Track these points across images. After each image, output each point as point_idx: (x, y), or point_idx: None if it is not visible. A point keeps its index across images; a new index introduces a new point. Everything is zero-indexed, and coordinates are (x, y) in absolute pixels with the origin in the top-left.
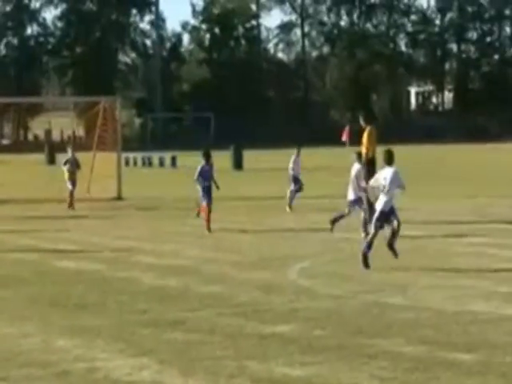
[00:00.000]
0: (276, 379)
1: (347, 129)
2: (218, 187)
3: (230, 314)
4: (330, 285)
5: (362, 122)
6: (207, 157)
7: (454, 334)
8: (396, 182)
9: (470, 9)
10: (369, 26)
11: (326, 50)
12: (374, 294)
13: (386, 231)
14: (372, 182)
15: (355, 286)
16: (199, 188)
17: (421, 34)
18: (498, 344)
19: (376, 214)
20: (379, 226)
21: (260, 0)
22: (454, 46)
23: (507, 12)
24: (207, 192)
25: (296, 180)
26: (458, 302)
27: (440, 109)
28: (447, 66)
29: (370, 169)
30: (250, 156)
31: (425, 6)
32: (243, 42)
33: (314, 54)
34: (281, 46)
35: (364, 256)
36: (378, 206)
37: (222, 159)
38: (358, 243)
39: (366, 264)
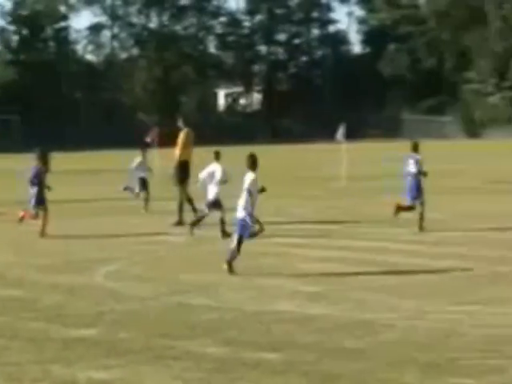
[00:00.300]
0: (80, 383)
1: (153, 130)
2: (49, 189)
3: (32, 318)
4: (135, 287)
5: (180, 124)
6: (43, 159)
7: (258, 333)
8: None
9: (278, 11)
10: (178, 27)
11: (135, 51)
12: (179, 296)
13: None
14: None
15: (161, 288)
16: (32, 191)
17: (230, 36)
18: (301, 343)
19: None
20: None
21: (69, 1)
22: (262, 48)
23: (315, 14)
24: (39, 195)
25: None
26: (262, 302)
27: (248, 110)
28: (256, 67)
29: (182, 170)
30: (57, 158)
31: (234, 8)
32: (52, 43)
33: (124, 55)
34: (90, 47)
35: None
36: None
37: (28, 162)
38: (168, 245)
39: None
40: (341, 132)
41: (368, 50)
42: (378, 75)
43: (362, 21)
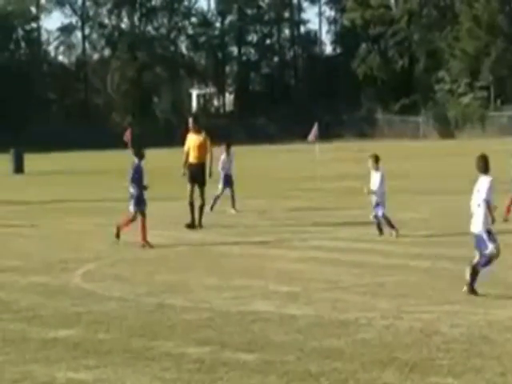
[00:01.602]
0: (60, 383)
1: (128, 131)
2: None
3: (11, 319)
4: (113, 288)
5: (190, 125)
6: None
7: (236, 334)
8: None
9: (249, 11)
10: (150, 28)
11: (107, 52)
12: (157, 296)
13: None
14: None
15: (138, 289)
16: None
17: (201, 36)
18: (280, 343)
19: None
20: None
21: (40, 2)
22: (234, 49)
23: (286, 15)
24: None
25: (227, 178)
26: (240, 302)
27: (221, 111)
28: (228, 68)
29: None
30: (31, 159)
31: (205, 8)
32: (23, 44)
33: (95, 56)
34: (61, 48)
35: None
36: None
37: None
38: (142, 246)
39: None
40: (314, 132)
41: (340, 50)
42: (351, 75)
43: (332, 21)
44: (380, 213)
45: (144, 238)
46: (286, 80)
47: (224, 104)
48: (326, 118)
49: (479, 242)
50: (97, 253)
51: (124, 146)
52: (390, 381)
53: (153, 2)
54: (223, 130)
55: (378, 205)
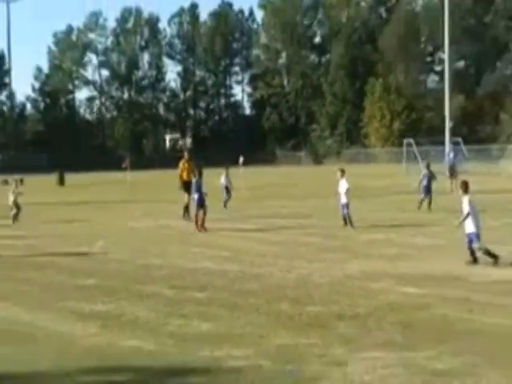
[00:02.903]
0: (86, 313)
1: (126, 159)
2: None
3: (55, 273)
4: (118, 252)
5: (186, 156)
6: (200, 172)
7: (192, 281)
8: None
9: (200, 88)
10: (141, 98)
11: (115, 113)
12: (145, 259)
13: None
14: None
15: (132, 254)
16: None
17: (171, 103)
18: (219, 286)
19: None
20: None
21: (74, 82)
22: (191, 111)
23: (222, 90)
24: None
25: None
26: (195, 262)
27: (184, 148)
28: (188, 122)
29: (187, 186)
30: (68, 177)
31: (174, 86)
32: (64, 108)
33: (108, 115)
34: (88, 110)
35: None
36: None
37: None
38: (134, 230)
39: None
40: (241, 160)
41: (254, 112)
42: (261, 127)
43: (250, 94)
44: (344, 211)
45: (202, 225)
46: (223, 130)
47: (185, 143)
48: (248, 152)
49: (470, 237)
50: (104, 234)
51: (123, 169)
52: (284, 309)
53: (143, 83)
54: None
55: (344, 205)
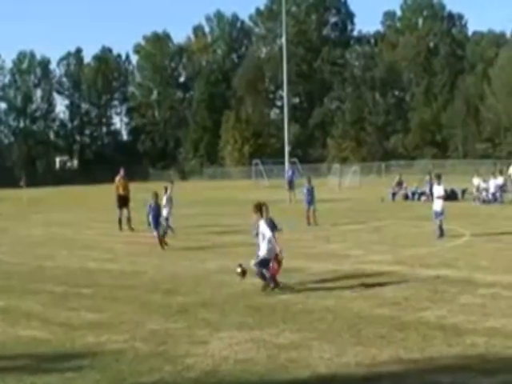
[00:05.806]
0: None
1: (22, 178)
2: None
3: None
4: (15, 256)
5: (122, 175)
6: (156, 196)
7: (78, 279)
8: None
9: (85, 119)
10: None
11: None
12: (38, 261)
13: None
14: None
15: (25, 258)
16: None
17: (62, 131)
18: (103, 283)
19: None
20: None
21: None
22: (78, 137)
23: (104, 120)
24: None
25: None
26: (79, 263)
27: (72, 168)
28: (75, 147)
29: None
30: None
31: (62, 116)
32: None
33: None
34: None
35: None
36: None
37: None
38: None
39: None
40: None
41: (131, 138)
42: (137, 151)
43: (127, 123)
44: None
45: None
46: (105, 153)
47: (73, 165)
48: (127, 170)
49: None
50: (5, 243)
51: (20, 186)
52: (156, 299)
53: (36, 114)
54: (73, 179)
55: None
